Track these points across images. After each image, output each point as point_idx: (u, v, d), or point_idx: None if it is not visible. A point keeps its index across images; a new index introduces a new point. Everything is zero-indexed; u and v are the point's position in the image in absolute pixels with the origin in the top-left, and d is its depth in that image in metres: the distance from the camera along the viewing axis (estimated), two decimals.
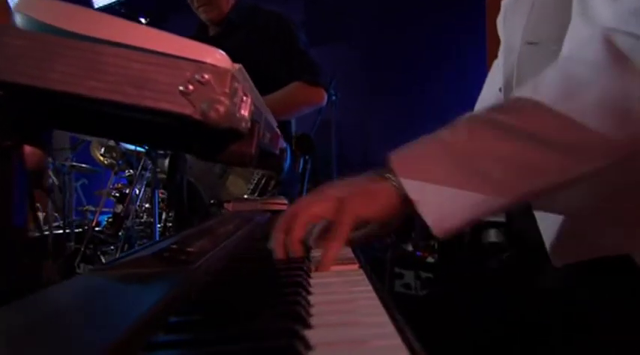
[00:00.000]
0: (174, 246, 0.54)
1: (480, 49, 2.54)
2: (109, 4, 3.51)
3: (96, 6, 3.53)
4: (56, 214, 3.03)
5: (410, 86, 3.29)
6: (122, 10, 3.78)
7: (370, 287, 0.43)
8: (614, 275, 0.60)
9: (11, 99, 0.48)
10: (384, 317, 0.34)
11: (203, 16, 1.67)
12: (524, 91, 0.52)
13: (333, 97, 2.55)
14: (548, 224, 0.64)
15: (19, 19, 0.46)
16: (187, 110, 0.43)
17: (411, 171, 0.52)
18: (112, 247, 2.67)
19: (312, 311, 0.36)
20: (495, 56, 0.86)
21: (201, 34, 1.76)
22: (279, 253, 0.55)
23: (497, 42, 0.84)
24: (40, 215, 3.43)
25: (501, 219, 1.26)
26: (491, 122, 0.51)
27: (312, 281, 0.46)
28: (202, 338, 0.29)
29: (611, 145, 0.48)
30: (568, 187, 0.51)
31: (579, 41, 0.55)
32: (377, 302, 0.37)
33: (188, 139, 0.55)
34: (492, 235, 1.34)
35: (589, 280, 0.62)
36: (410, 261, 1.70)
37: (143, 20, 4.35)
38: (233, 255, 0.58)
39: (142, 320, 0.31)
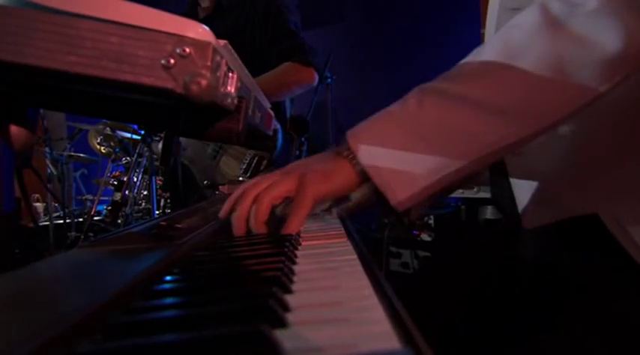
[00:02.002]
0: (162, 223, 0.54)
1: (477, 29, 2.52)
2: None
3: None
4: (56, 204, 3.04)
5: (406, 67, 3.27)
6: None
7: (354, 256, 0.43)
8: (585, 237, 0.60)
9: None
10: (363, 281, 0.34)
11: None
12: (470, 57, 0.55)
13: (329, 79, 2.53)
14: (521, 190, 0.65)
15: None
16: (169, 84, 0.43)
17: (363, 141, 0.54)
18: None
19: (295, 279, 0.36)
20: None
21: (190, 17, 1.74)
22: (240, 231, 0.57)
23: None
24: (40, 205, 3.44)
25: None
26: (437, 91, 0.54)
27: (298, 253, 0.47)
28: (180, 303, 0.30)
29: (543, 109, 0.51)
30: (512, 150, 0.55)
31: None
32: (359, 268, 0.38)
33: (174, 117, 0.55)
34: (489, 212, 1.34)
35: (564, 246, 0.63)
36: (407, 240, 1.71)
37: None
38: (221, 231, 0.58)
39: (123, 289, 0.31)
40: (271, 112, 0.90)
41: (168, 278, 0.36)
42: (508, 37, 0.53)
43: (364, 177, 0.55)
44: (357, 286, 0.33)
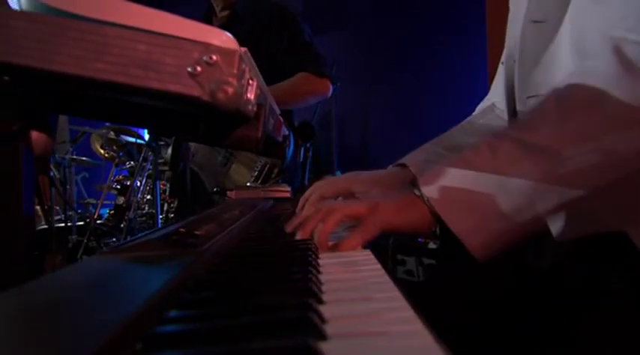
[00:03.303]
0: (182, 230, 0.54)
1: (481, 37, 2.53)
2: None
3: None
4: (57, 207, 3.03)
5: (410, 75, 3.28)
6: None
7: (379, 266, 0.43)
8: (608, 256, 0.60)
9: (17, 83, 0.48)
10: (395, 292, 0.34)
11: None
12: (540, 106, 0.53)
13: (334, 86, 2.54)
14: None
15: (23, 2, 0.46)
16: (196, 92, 0.43)
17: (433, 182, 0.54)
18: (114, 239, 2.67)
19: (323, 288, 0.36)
20: (496, 45, 0.85)
21: (205, 23, 1.75)
22: (304, 235, 0.57)
23: (499, 30, 0.83)
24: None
25: None
26: (512, 139, 0.52)
27: (320, 261, 0.47)
28: (215, 313, 0.30)
29: (628, 157, 0.49)
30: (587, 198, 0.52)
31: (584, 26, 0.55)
32: (387, 278, 0.38)
33: (195, 123, 0.55)
34: None
35: (585, 261, 0.63)
36: (412, 248, 1.71)
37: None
38: (241, 238, 0.58)
39: (156, 298, 0.31)
40: (281, 118, 0.90)
41: (198, 287, 0.35)
42: (582, 84, 0.51)
43: (437, 219, 0.54)
44: (389, 297, 0.33)
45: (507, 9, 0.79)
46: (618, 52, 0.49)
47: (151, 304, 0.30)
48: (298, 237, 0.58)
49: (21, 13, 0.44)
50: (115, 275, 0.38)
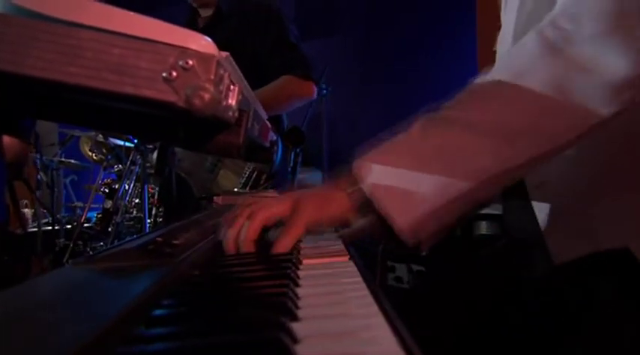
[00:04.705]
0: (159, 239, 0.53)
1: (471, 41, 2.54)
2: None
3: None
4: (44, 211, 2.99)
5: (400, 78, 3.28)
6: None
7: (360, 278, 0.42)
8: (605, 271, 0.60)
9: None
10: (373, 308, 0.33)
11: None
12: (472, 84, 0.56)
13: (324, 91, 2.54)
14: (546, 216, 0.64)
15: None
16: (171, 97, 0.41)
17: (367, 168, 0.54)
18: (102, 243, 2.64)
19: (300, 303, 0.35)
20: (488, 52, 0.85)
21: (190, 26, 1.74)
22: (230, 249, 0.56)
23: (488, 35, 0.83)
24: (29, 212, 3.39)
25: (496, 211, 1.25)
26: (439, 118, 0.55)
27: (300, 273, 0.45)
28: (183, 332, 0.28)
29: (544, 132, 0.51)
30: (515, 175, 0.55)
31: None
32: (366, 292, 0.36)
33: (174, 129, 0.53)
34: (484, 227, 1.34)
35: (579, 275, 0.62)
36: (402, 254, 1.70)
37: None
38: (219, 248, 0.57)
39: (124, 313, 0.30)
40: (268, 124, 0.89)
41: (167, 302, 0.34)
42: (509, 64, 0.54)
43: (362, 206, 0.55)
44: (366, 314, 0.32)
45: (498, 19, 0.79)
46: (540, 35, 0.52)
47: (116, 320, 0.29)
48: (226, 250, 0.56)
49: None
50: (83, 289, 0.37)
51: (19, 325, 0.28)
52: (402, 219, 0.51)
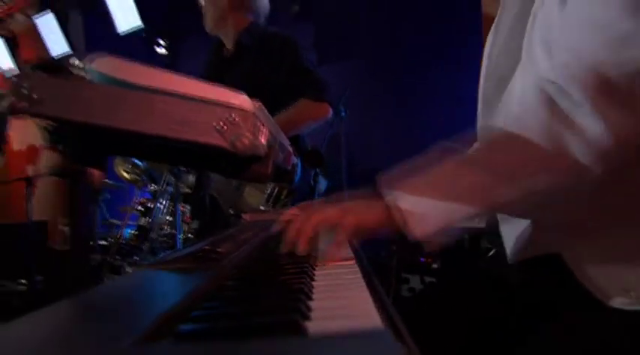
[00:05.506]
0: (206, 248, 0.68)
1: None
2: (131, 28, 3.72)
3: (119, 31, 3.73)
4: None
5: (416, 100, 3.42)
6: (143, 34, 4.00)
7: (359, 276, 0.55)
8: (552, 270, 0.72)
9: (83, 134, 0.62)
10: (364, 293, 0.46)
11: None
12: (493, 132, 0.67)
13: (343, 113, 2.68)
14: (508, 229, 0.77)
15: (92, 75, 0.61)
16: (221, 143, 0.56)
17: (392, 187, 0.66)
18: (137, 258, 2.82)
19: (313, 315, 0.47)
20: None
21: (216, 56, 1.90)
22: (287, 247, 0.68)
23: None
24: (67, 229, 3.60)
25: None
26: (460, 159, 0.66)
27: (314, 283, 0.59)
28: (223, 320, 0.43)
29: (530, 177, 0.61)
30: (505, 207, 0.69)
31: (525, 83, 0.68)
32: (362, 281, 0.50)
33: (219, 162, 0.69)
34: (485, 240, 1.45)
35: (541, 276, 0.74)
36: (416, 267, 1.81)
37: (162, 41, 4.56)
38: (252, 254, 0.71)
39: (185, 301, 0.44)
40: (291, 150, 1.03)
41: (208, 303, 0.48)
42: (518, 117, 0.64)
43: (395, 214, 0.65)
44: (361, 297, 0.46)
45: None
46: (541, 90, 0.60)
47: (184, 304, 0.43)
48: (283, 250, 0.68)
49: (93, 85, 0.59)
50: (154, 286, 0.52)
51: (113, 308, 0.42)
52: (415, 232, 0.64)
